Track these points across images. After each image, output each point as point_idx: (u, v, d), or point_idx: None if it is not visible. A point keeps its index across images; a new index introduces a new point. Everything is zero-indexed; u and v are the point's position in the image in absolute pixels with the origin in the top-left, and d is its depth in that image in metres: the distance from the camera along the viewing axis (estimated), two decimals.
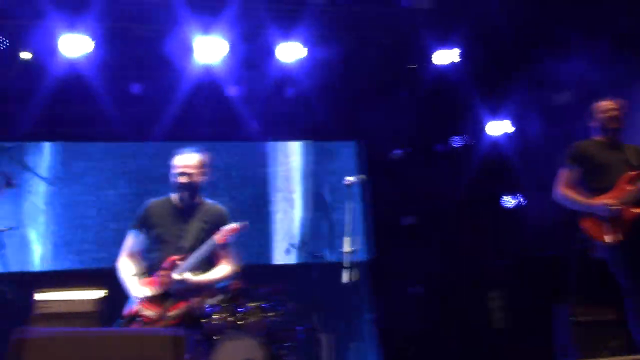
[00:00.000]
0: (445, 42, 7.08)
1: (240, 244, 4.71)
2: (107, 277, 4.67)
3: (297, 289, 5.19)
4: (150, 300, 4.30)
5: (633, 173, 4.37)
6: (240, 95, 7.30)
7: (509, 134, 7.87)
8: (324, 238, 7.73)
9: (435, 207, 7.74)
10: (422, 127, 7.81)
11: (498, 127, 7.91)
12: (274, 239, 7.89)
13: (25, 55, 6.47)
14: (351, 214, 4.65)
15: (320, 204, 8.07)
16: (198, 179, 4.69)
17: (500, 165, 7.87)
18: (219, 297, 4.53)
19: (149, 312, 4.24)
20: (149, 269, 4.54)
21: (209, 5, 6.30)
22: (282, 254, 7.76)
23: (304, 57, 6.88)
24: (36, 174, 5.36)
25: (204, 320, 4.39)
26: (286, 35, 6.79)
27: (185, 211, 4.69)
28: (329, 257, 5.32)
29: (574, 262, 5.92)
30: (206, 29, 6.53)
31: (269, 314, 4.62)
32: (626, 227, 4.22)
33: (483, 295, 7.77)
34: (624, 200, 4.28)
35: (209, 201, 4.82)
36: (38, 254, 7.31)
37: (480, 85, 7.27)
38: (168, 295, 4.28)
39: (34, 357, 2.65)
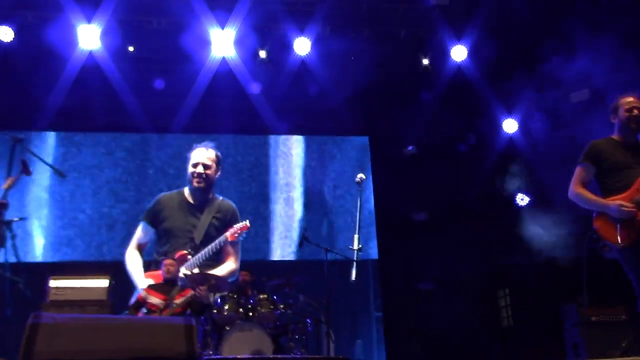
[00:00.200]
0: (461, 38, 7.07)
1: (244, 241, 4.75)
2: (114, 269, 4.71)
3: (305, 285, 5.21)
4: (156, 289, 4.34)
5: None
6: (255, 89, 7.31)
7: (523, 131, 7.82)
8: (323, 237, 7.66)
9: (447, 205, 7.71)
10: (436, 124, 7.77)
11: (513, 125, 7.88)
12: (274, 235, 7.86)
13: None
14: (361, 211, 4.65)
15: (319, 204, 8.03)
16: (213, 172, 4.71)
17: (513, 163, 7.83)
18: (225, 292, 4.56)
19: (155, 299, 4.28)
20: (157, 262, 4.58)
21: None
22: (281, 249, 7.76)
23: (319, 51, 6.90)
24: (49, 165, 5.39)
25: (214, 311, 4.42)
26: (302, 29, 6.81)
27: (197, 206, 4.70)
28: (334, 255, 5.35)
29: (586, 262, 5.88)
30: (222, 23, 6.57)
31: (279, 306, 4.65)
32: (638, 229, 4.18)
33: (492, 294, 7.76)
34: (638, 202, 4.23)
35: (219, 197, 4.83)
36: (41, 244, 7.30)
37: (495, 82, 7.25)
38: (174, 283, 4.31)
39: (47, 342, 2.68)
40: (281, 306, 4.67)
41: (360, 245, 4.50)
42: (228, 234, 4.46)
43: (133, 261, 4.63)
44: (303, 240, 5.36)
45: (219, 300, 4.50)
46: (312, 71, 7.22)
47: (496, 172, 7.91)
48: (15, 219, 6.09)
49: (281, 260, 7.75)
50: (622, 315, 5.20)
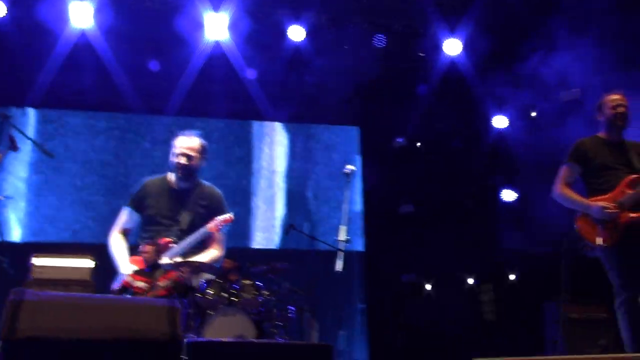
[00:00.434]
0: (454, 32, 7.08)
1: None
2: (96, 252, 4.70)
3: (289, 274, 5.22)
4: (141, 273, 4.35)
5: (634, 176, 4.34)
6: (247, 74, 7.28)
7: (511, 127, 7.85)
8: (308, 227, 7.58)
9: (433, 198, 7.74)
10: (429, 118, 7.79)
11: (502, 120, 7.92)
12: (256, 222, 7.80)
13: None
14: (348, 202, 4.65)
15: (305, 194, 8.00)
16: (197, 162, 4.70)
17: (501, 158, 7.87)
18: (209, 276, 4.58)
19: (140, 283, 4.29)
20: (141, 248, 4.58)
21: None
22: (265, 238, 7.71)
23: (313, 39, 6.89)
24: (36, 143, 5.35)
25: (198, 295, 4.43)
26: (297, 17, 6.80)
27: (182, 193, 4.69)
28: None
29: (567, 260, 5.94)
30: (216, 6, 6.53)
31: (262, 292, 4.66)
32: (620, 230, 4.22)
33: (475, 288, 7.82)
34: (621, 204, 4.26)
35: (205, 183, 4.82)
36: (24, 224, 7.20)
37: (487, 77, 7.26)
38: (158, 266, 4.32)
39: (31, 319, 2.68)
40: (265, 292, 4.68)
41: (347, 237, 4.51)
42: (211, 225, 4.47)
43: (117, 246, 4.63)
44: (289, 229, 5.37)
45: (204, 284, 4.51)
46: (306, 59, 7.21)
47: (485, 167, 7.95)
48: (1, 197, 6.06)
49: (265, 249, 7.74)
50: (602, 313, 5.26)
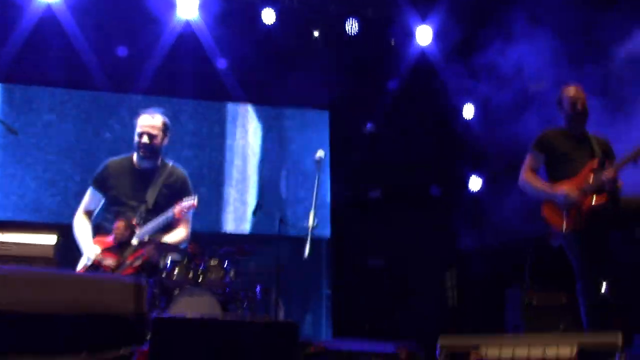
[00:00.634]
0: (425, 20, 7.12)
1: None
2: (61, 231, 4.62)
3: (256, 257, 5.22)
4: (110, 250, 4.31)
5: (595, 162, 4.43)
6: (217, 55, 7.20)
7: (477, 116, 7.92)
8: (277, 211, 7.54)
9: (400, 185, 7.79)
10: (397, 104, 7.83)
11: (470, 110, 7.98)
12: (227, 206, 7.74)
13: None
14: (317, 188, 4.66)
15: (275, 178, 7.94)
16: (160, 141, 4.63)
17: (468, 147, 7.95)
18: (175, 257, 4.55)
19: (109, 260, 4.25)
20: (105, 228, 4.53)
21: None
22: (234, 222, 7.65)
23: (283, 21, 6.87)
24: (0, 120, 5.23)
25: (164, 275, 4.40)
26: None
27: (146, 173, 4.63)
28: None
29: (531, 248, 6.05)
30: None
31: (229, 273, 4.65)
32: (584, 216, 4.31)
33: (439, 274, 7.91)
34: (584, 190, 4.35)
35: (170, 163, 4.76)
36: None
37: (456, 66, 7.31)
38: (127, 244, 4.28)
39: None
40: (231, 273, 4.67)
41: (315, 223, 4.52)
42: (176, 210, 4.44)
43: (81, 227, 4.57)
44: (257, 209, 5.37)
45: (169, 264, 4.48)
46: (277, 41, 7.17)
47: (453, 155, 8.02)
48: None
49: (234, 234, 7.68)
50: (562, 299, 5.37)
